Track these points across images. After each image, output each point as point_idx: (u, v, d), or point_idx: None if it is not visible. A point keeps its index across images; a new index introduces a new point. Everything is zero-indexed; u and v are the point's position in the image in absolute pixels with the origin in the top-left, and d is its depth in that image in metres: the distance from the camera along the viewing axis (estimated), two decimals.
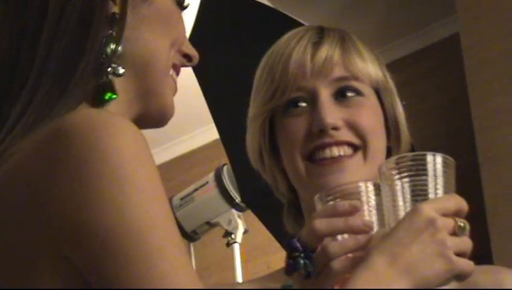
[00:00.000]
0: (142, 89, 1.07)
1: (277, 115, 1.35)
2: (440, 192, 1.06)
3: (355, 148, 1.30)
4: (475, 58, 3.07)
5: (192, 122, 4.02)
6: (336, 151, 1.30)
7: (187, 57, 1.12)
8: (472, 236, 1.24)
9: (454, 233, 1.02)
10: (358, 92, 1.33)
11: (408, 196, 1.07)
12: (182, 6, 1.12)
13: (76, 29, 1.01)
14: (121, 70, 1.01)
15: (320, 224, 1.11)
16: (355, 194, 1.14)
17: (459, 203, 1.04)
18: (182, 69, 1.24)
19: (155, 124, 1.11)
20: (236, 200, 2.64)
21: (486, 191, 2.90)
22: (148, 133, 1.01)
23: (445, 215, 1.03)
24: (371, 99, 1.34)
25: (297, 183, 1.35)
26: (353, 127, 1.31)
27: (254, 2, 2.53)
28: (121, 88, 1.02)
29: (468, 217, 1.34)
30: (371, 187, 1.13)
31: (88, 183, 0.85)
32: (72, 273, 0.88)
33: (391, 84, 1.38)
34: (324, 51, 1.33)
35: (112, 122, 0.90)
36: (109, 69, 1.00)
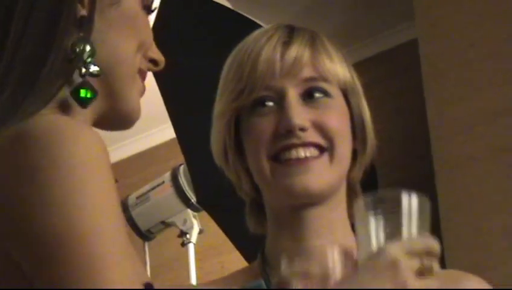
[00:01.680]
0: (107, 92, 1.08)
1: (243, 114, 1.36)
2: (414, 232, 1.08)
3: (321, 149, 1.30)
4: (433, 64, 3.06)
5: (149, 121, 3.89)
6: (302, 152, 1.31)
7: (153, 62, 1.13)
8: None
9: (422, 273, 1.04)
10: (326, 93, 1.33)
11: (382, 236, 1.08)
12: (149, 10, 1.13)
13: (44, 30, 1.02)
14: (96, 70, 1.02)
15: (297, 282, 1.13)
16: (323, 259, 1.15)
17: (429, 244, 1.06)
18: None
19: (121, 125, 1.12)
20: (192, 201, 2.66)
21: (441, 198, 2.86)
22: (105, 130, 1.06)
23: (412, 256, 1.05)
24: (339, 100, 1.35)
25: (261, 182, 1.35)
26: (320, 129, 1.32)
27: (214, 4, 2.60)
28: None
29: None
30: (336, 256, 1.15)
31: (39, 189, 0.86)
32: (19, 277, 0.88)
33: (358, 85, 1.38)
34: (294, 51, 1.34)
35: (68, 130, 0.91)
36: (84, 70, 1.00)
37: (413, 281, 1.01)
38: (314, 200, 1.30)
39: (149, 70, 1.13)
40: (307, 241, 1.32)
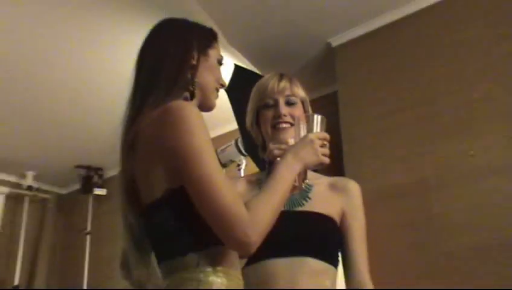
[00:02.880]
0: (203, 96, 1.27)
1: (260, 109, 1.57)
2: (319, 130, 1.29)
3: (291, 125, 1.52)
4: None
5: (220, 123, 4.13)
6: (284, 125, 1.53)
7: (222, 85, 1.31)
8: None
9: (322, 146, 1.25)
10: (295, 102, 1.56)
11: (305, 132, 1.29)
12: (221, 64, 1.32)
13: (177, 68, 1.20)
14: (195, 88, 1.22)
15: (276, 151, 1.40)
16: (287, 143, 1.40)
17: (325, 135, 1.28)
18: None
19: (206, 110, 1.29)
20: (243, 152, 3.03)
21: (347, 171, 2.85)
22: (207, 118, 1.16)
23: (319, 139, 1.25)
24: (300, 105, 1.58)
25: (266, 138, 1.56)
26: (292, 117, 1.53)
27: (247, 70, 3.12)
28: (196, 95, 1.25)
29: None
30: (292, 141, 1.36)
31: (179, 131, 1.04)
32: (170, 174, 1.07)
33: (307, 99, 1.61)
34: (283, 83, 1.56)
35: (189, 107, 1.08)
36: (191, 87, 1.21)
37: (320, 149, 1.23)
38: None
39: (221, 88, 1.32)
40: None
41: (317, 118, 1.29)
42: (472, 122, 2.58)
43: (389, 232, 2.63)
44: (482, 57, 2.65)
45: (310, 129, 1.29)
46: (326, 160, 1.24)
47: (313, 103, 3.47)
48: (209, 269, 1.05)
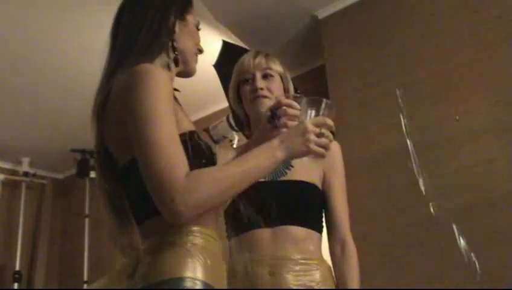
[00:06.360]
0: (183, 61, 1.26)
1: (240, 84, 1.63)
2: (325, 114, 1.18)
3: (269, 98, 1.59)
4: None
5: (211, 101, 4.19)
6: (261, 98, 1.59)
7: (200, 50, 1.31)
8: None
9: (319, 135, 1.14)
10: (271, 76, 1.61)
11: (309, 117, 1.18)
12: (198, 29, 1.32)
13: (155, 33, 1.20)
14: (176, 53, 1.22)
15: (283, 120, 1.29)
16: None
17: (326, 121, 1.16)
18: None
19: (187, 76, 1.29)
20: (235, 128, 2.90)
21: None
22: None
23: (317, 126, 1.14)
24: (278, 79, 1.63)
25: (247, 109, 1.63)
26: (269, 90, 1.59)
27: (237, 46, 2.98)
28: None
29: None
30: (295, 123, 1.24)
31: (137, 92, 1.03)
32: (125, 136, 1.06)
33: (288, 75, 1.66)
34: (258, 59, 1.61)
35: (155, 71, 1.07)
36: (172, 52, 1.22)
37: (313, 138, 1.12)
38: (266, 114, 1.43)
39: (199, 53, 1.32)
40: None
41: (325, 102, 1.18)
42: (455, 88, 2.66)
43: (378, 198, 2.70)
44: (463, 26, 2.74)
45: (313, 115, 1.17)
46: (319, 151, 1.12)
47: (302, 76, 3.71)
48: (184, 230, 1.05)
